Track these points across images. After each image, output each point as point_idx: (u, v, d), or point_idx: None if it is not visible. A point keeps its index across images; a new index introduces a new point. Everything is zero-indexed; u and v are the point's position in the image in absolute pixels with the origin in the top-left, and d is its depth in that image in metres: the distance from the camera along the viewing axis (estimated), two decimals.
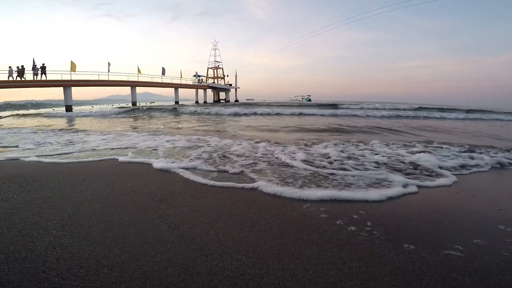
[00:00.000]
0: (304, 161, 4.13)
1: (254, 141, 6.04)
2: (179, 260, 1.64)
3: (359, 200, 2.63)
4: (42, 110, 24.82)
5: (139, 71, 28.66)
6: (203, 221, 2.18)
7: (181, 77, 35.75)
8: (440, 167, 3.81)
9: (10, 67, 19.55)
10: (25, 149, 5.49)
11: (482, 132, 9.62)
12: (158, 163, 4.00)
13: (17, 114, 19.36)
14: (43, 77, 20.70)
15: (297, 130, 9.21)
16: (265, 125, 10.90)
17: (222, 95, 46.19)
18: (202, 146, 5.52)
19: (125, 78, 27.41)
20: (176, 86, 34.81)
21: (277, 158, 4.38)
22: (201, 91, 41.14)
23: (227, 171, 3.61)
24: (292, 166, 3.85)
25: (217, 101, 45.22)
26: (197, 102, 39.97)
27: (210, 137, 6.68)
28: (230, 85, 45.88)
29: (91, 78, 24.16)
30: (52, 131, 8.89)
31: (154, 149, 5.21)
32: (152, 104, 35.94)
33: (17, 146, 5.82)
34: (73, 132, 8.52)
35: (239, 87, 46.91)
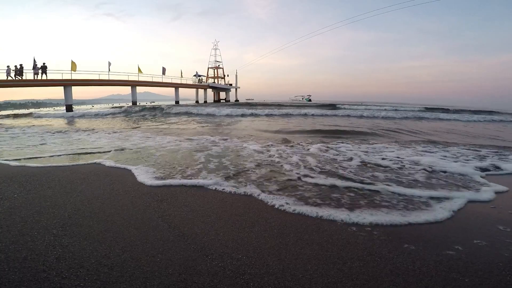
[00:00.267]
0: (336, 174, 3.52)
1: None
2: (179, 259, 1.64)
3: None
4: (32, 110, 24.68)
5: (139, 70, 28.66)
6: (204, 221, 2.18)
7: (181, 76, 35.75)
8: None
9: (8, 66, 19.52)
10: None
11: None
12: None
13: (7, 115, 18.40)
14: (44, 77, 20.71)
15: (311, 131, 8.60)
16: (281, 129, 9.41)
17: (223, 95, 46.16)
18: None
19: (125, 78, 27.40)
20: (177, 86, 34.79)
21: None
22: (201, 91, 41.11)
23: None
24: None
25: (217, 100, 45.20)
26: (197, 101, 39.95)
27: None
28: (231, 85, 45.86)
29: (91, 78, 24.15)
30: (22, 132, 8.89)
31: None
32: (153, 103, 35.91)
33: None
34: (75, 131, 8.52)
35: (239, 87, 46.90)
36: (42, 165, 3.99)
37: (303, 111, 17.19)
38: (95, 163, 4.11)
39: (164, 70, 32.79)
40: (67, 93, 22.23)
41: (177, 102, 33.99)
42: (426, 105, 30.23)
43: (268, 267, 1.58)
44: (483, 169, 3.86)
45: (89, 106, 28.34)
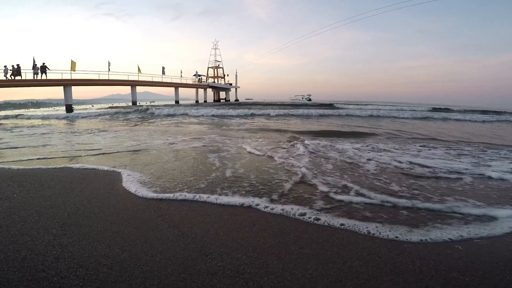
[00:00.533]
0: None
1: None
2: (179, 259, 1.64)
3: None
4: (32, 110, 24.49)
5: (139, 70, 28.65)
6: (203, 221, 2.17)
7: (181, 76, 35.76)
8: None
9: (5, 66, 19.47)
10: None
11: None
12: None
13: None
14: (44, 77, 20.69)
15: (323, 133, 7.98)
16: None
17: (222, 94, 46.16)
18: None
19: (125, 78, 27.39)
20: (176, 86, 34.79)
21: None
22: (201, 91, 41.10)
23: None
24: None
25: (217, 100, 45.20)
26: (197, 101, 39.95)
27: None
28: (230, 84, 45.86)
29: (91, 78, 24.14)
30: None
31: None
32: (153, 103, 35.88)
33: None
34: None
35: (239, 87, 46.89)
36: (42, 165, 3.98)
37: (320, 111, 16.39)
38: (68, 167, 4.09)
39: (163, 70, 32.79)
40: (67, 93, 22.23)
41: (177, 102, 34.00)
42: (432, 105, 29.61)
43: (268, 266, 1.57)
44: None
45: (89, 106, 28.34)
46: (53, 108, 27.51)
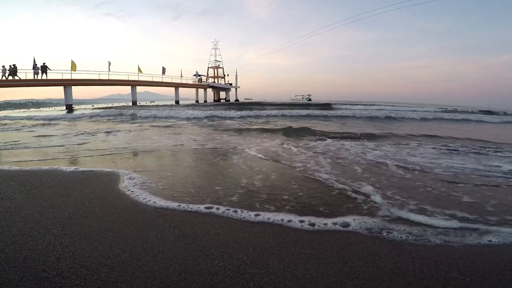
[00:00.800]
0: None
1: None
2: (179, 259, 1.64)
3: None
4: (32, 109, 24.28)
5: (139, 70, 28.64)
6: (204, 221, 2.18)
7: (181, 76, 35.74)
8: None
9: (3, 66, 19.43)
10: None
11: None
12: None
13: None
14: (44, 77, 20.70)
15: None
16: None
17: (223, 94, 46.14)
18: None
19: (125, 78, 27.39)
20: (177, 86, 34.77)
21: None
22: (201, 91, 41.08)
23: None
24: None
25: (217, 100, 45.19)
26: (197, 101, 39.95)
27: None
28: (231, 84, 45.83)
29: (91, 78, 24.14)
30: None
31: None
32: (153, 103, 35.88)
33: None
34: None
35: (239, 87, 46.85)
36: (43, 165, 3.99)
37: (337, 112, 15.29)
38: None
39: (164, 69, 32.77)
40: (67, 93, 22.24)
41: (177, 101, 33.99)
42: (436, 105, 28.70)
43: (269, 266, 1.58)
44: None
45: (89, 106, 28.35)
46: (53, 108, 27.51)
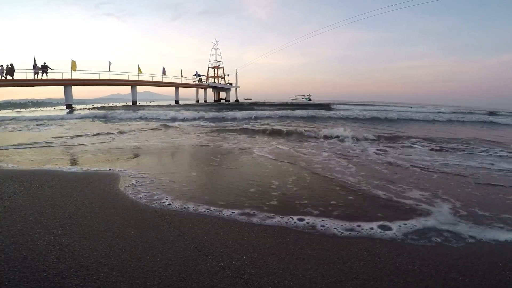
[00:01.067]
0: None
1: None
2: (179, 259, 1.64)
3: None
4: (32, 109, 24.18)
5: (139, 70, 28.65)
6: (203, 221, 2.18)
7: (181, 76, 35.76)
8: None
9: (1, 65, 19.41)
10: None
11: None
12: None
13: None
14: (44, 76, 20.70)
15: None
16: None
17: (223, 94, 46.15)
18: None
19: (125, 77, 27.40)
20: (177, 86, 34.79)
21: None
22: (201, 91, 41.10)
23: None
24: None
25: (217, 100, 45.20)
26: (197, 101, 39.96)
27: None
28: (231, 84, 45.84)
29: (91, 77, 24.15)
30: None
31: None
32: (153, 103, 35.87)
33: None
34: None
35: (239, 87, 46.86)
36: (42, 165, 3.99)
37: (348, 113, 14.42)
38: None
39: (164, 69, 32.79)
40: (67, 93, 22.26)
41: (177, 101, 34.00)
42: (439, 106, 28.15)
43: (268, 266, 1.58)
44: None
45: (89, 106, 28.34)
46: (53, 108, 27.52)
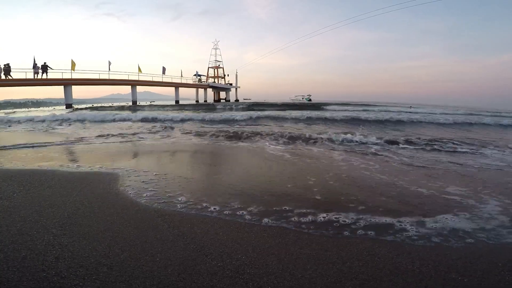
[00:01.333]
0: None
1: None
2: (178, 259, 1.64)
3: None
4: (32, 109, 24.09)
5: (139, 70, 28.62)
6: (203, 221, 2.18)
7: (181, 76, 35.74)
8: None
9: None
10: None
11: None
12: None
13: None
14: (44, 76, 20.69)
15: None
16: None
17: (223, 94, 46.13)
18: None
19: (125, 77, 27.38)
20: (177, 86, 34.76)
21: None
22: (201, 91, 41.08)
23: None
24: None
25: (217, 100, 45.19)
26: (197, 101, 39.95)
27: None
28: (231, 84, 45.82)
29: (91, 77, 24.13)
30: None
31: None
32: (152, 103, 35.86)
33: None
34: None
35: (239, 87, 46.83)
36: (42, 165, 3.99)
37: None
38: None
39: (164, 69, 32.77)
40: (67, 93, 22.24)
41: (177, 101, 33.99)
42: (442, 106, 27.27)
43: (268, 266, 1.58)
44: None
45: (89, 105, 28.34)
46: (53, 107, 27.52)
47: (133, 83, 28.53)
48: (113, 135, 7.31)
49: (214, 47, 45.66)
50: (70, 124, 10.52)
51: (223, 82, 45.30)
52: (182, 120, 11.61)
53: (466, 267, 1.59)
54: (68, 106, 21.87)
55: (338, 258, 1.68)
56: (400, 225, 2.12)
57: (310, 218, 2.23)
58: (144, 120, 11.64)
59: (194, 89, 40.37)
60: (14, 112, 17.76)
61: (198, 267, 1.57)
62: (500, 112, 17.94)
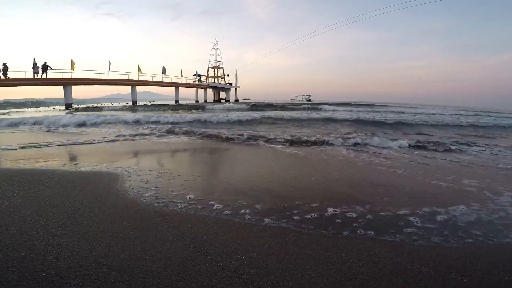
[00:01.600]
0: None
1: None
2: (178, 259, 1.64)
3: None
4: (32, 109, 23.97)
5: (139, 70, 28.60)
6: (203, 221, 2.17)
7: (181, 76, 35.73)
8: None
9: None
10: None
11: None
12: None
13: None
14: (44, 76, 20.68)
15: None
16: None
17: (223, 94, 46.11)
18: None
19: (125, 77, 27.36)
20: (177, 85, 34.75)
21: None
22: (201, 91, 41.07)
23: None
24: None
25: (217, 100, 45.18)
26: (197, 101, 39.94)
27: None
28: (231, 84, 45.81)
29: (91, 77, 24.13)
30: None
31: None
32: (152, 102, 35.85)
33: None
34: None
35: (239, 87, 46.81)
36: (42, 165, 3.98)
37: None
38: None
39: (164, 69, 32.75)
40: (67, 92, 22.24)
41: (177, 101, 33.99)
42: (442, 106, 26.43)
43: (267, 266, 1.58)
44: None
45: (89, 105, 28.32)
46: (52, 107, 27.50)
47: (133, 83, 28.52)
48: (112, 137, 7.31)
49: (214, 47, 45.66)
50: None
51: (223, 82, 45.28)
52: (182, 121, 11.62)
53: (466, 267, 1.59)
54: (68, 106, 21.88)
55: (338, 258, 1.68)
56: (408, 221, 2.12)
57: (310, 218, 2.23)
58: (143, 121, 11.62)
59: (194, 89, 40.37)
60: (9, 112, 17.62)
61: (197, 267, 1.57)
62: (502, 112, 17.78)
